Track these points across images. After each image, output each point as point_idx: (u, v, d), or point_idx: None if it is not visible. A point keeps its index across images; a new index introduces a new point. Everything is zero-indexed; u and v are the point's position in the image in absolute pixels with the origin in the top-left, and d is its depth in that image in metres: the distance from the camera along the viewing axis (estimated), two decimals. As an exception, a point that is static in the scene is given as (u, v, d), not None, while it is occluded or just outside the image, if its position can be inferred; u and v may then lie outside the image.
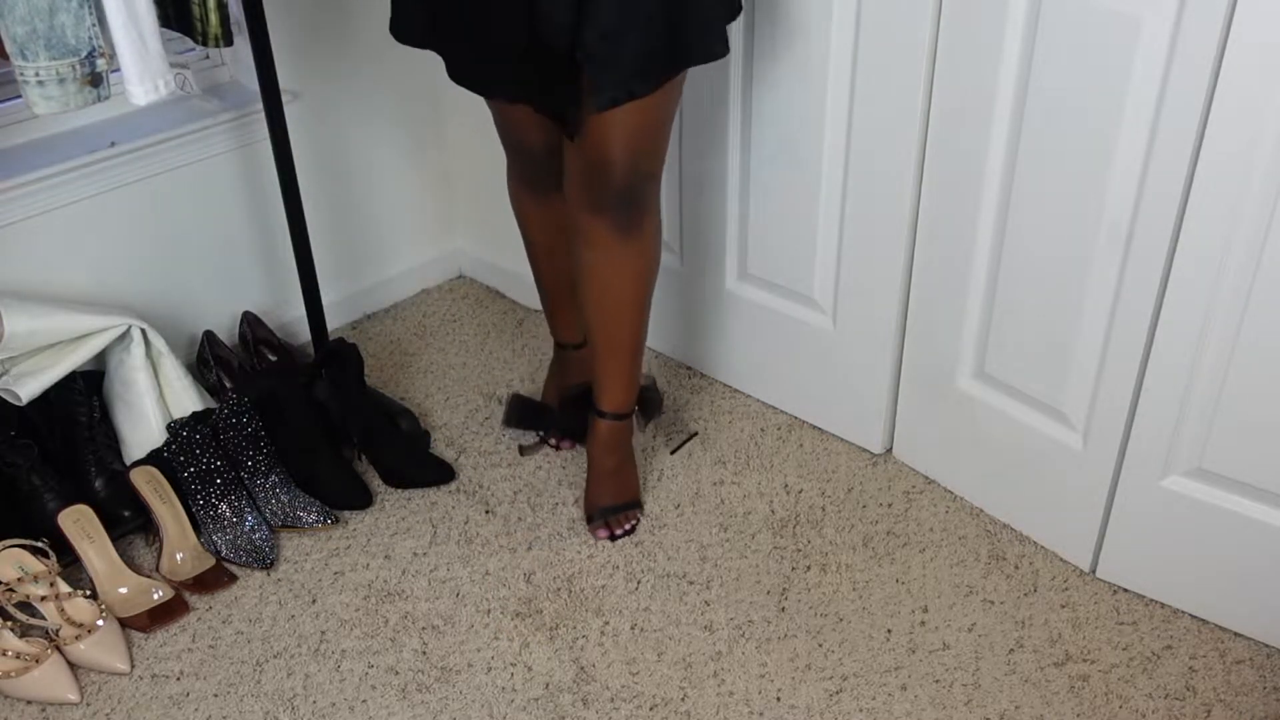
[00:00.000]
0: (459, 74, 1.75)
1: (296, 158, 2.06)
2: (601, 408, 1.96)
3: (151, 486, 1.96)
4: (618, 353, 1.91)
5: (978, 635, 1.83)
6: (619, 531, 2.00)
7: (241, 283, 2.36)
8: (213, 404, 2.13)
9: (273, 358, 2.31)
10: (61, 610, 1.80)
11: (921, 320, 1.99)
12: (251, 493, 2.02)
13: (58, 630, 1.78)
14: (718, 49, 1.67)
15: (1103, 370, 1.78)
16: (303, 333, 2.32)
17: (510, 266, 2.60)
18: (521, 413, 2.20)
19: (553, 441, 2.17)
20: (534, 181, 1.91)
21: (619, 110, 1.63)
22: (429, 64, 2.47)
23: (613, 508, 2.01)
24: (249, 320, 2.34)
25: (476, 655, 1.81)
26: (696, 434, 2.20)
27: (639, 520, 2.02)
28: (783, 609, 1.88)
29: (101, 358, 2.06)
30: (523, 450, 2.17)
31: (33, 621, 1.80)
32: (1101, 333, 1.76)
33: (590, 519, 2.01)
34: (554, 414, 2.17)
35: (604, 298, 1.85)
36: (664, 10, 1.58)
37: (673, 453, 2.17)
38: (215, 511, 1.98)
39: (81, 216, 2.09)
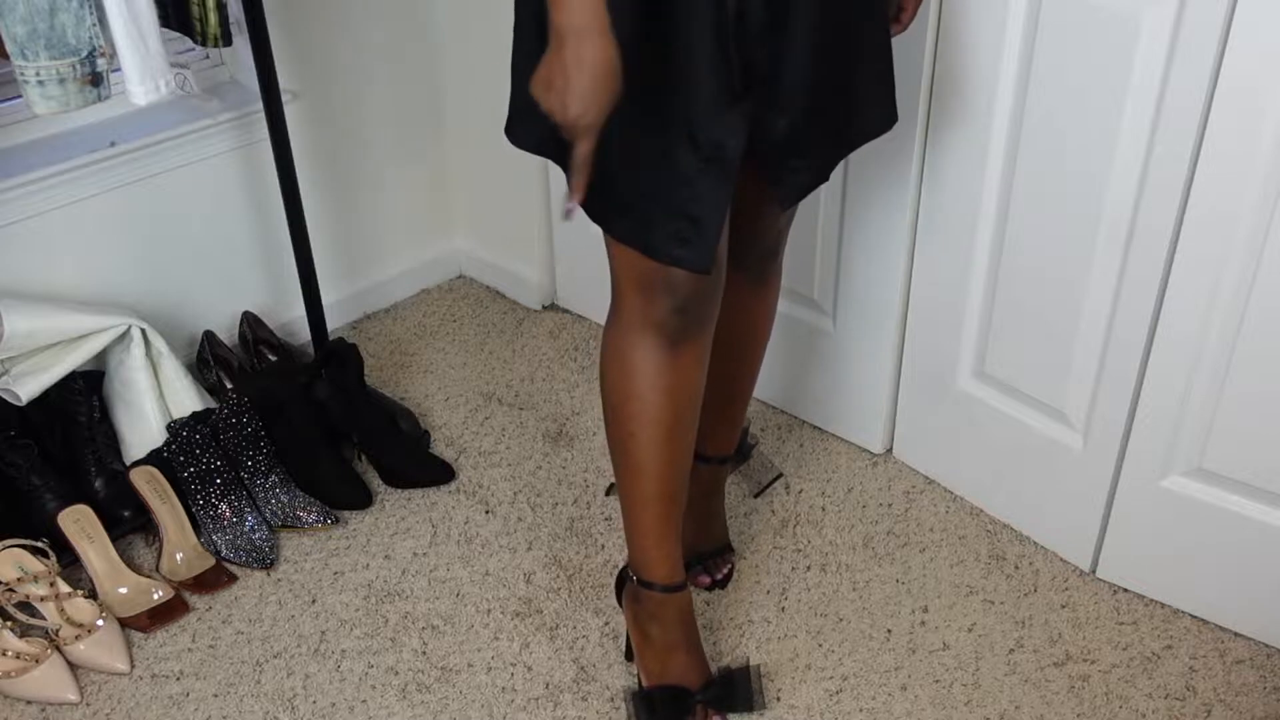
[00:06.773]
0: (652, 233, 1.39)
1: (296, 158, 2.06)
2: (708, 453, 1.82)
3: (151, 486, 1.96)
4: (740, 398, 1.81)
5: (978, 635, 1.83)
6: (719, 576, 1.89)
7: (241, 283, 2.36)
8: (213, 404, 2.13)
9: (273, 358, 2.31)
10: (61, 610, 1.80)
11: (921, 320, 1.99)
12: (251, 493, 2.02)
13: (58, 630, 1.78)
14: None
15: (1103, 370, 1.78)
16: (303, 333, 2.32)
17: (510, 266, 2.60)
18: (657, 709, 1.66)
19: None
20: (679, 329, 1.46)
21: None
22: (428, 64, 2.49)
23: (710, 552, 1.90)
24: (249, 320, 2.34)
25: (476, 655, 1.81)
26: (781, 475, 2.10)
27: (734, 565, 1.92)
28: (783, 609, 1.88)
29: (101, 358, 2.06)
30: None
31: (33, 621, 1.80)
32: (1101, 333, 1.76)
33: (687, 565, 1.75)
34: (702, 690, 1.66)
35: (740, 350, 1.74)
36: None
37: (756, 496, 2.06)
38: (215, 511, 1.98)
39: (82, 216, 2.09)
